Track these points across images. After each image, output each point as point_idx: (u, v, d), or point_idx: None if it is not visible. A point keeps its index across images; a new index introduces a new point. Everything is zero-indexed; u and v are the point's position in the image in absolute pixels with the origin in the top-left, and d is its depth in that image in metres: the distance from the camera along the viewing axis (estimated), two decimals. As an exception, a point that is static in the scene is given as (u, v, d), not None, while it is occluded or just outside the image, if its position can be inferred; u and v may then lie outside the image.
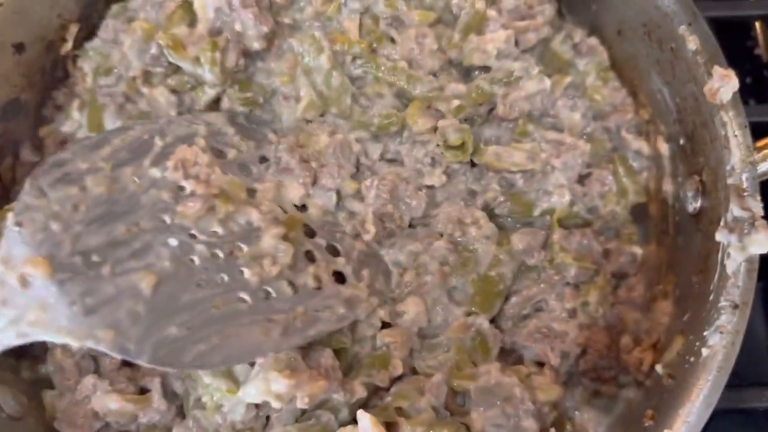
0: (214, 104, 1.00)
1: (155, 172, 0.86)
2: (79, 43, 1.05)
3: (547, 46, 1.03)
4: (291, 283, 0.86)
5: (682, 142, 0.94)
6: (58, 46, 1.03)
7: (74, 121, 1.05)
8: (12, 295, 0.73)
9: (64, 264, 0.76)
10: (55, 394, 0.89)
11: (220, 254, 0.84)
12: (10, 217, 0.77)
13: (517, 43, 1.00)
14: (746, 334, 0.79)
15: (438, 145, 0.95)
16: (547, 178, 0.96)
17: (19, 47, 0.98)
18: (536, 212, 0.96)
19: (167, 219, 0.83)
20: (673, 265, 0.95)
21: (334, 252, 0.92)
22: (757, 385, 1.00)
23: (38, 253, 0.75)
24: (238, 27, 0.95)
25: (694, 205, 0.91)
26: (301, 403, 0.79)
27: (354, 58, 0.98)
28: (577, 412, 0.93)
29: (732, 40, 1.25)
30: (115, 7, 1.05)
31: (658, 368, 0.87)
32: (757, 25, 1.28)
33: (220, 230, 0.85)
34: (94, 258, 0.77)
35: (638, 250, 0.96)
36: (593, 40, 1.04)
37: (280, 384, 0.78)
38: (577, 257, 0.92)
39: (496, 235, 0.94)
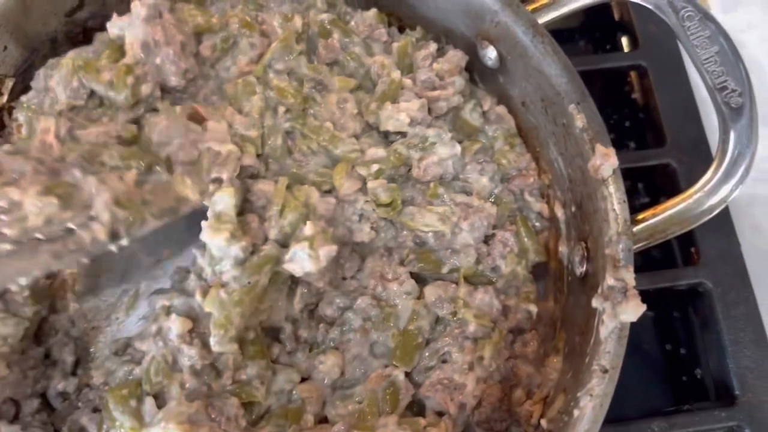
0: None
1: None
2: (15, 96, 1.10)
3: (458, 113, 1.10)
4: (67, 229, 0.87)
5: (573, 209, 1.01)
6: (-5, 97, 1.08)
7: (8, 171, 1.09)
8: None
9: None
10: None
11: None
12: None
13: (430, 111, 1.07)
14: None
15: (367, 201, 1.01)
16: (456, 238, 1.03)
17: (-47, 103, 1.03)
18: (445, 269, 1.03)
19: None
20: (564, 322, 1.02)
21: None
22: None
23: None
24: (158, 60, 1.00)
25: (580, 269, 0.98)
26: None
27: (286, 110, 1.04)
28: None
29: (612, 88, 1.43)
30: (50, 61, 1.09)
31: (543, 423, 0.92)
32: (632, 74, 1.43)
33: None
34: None
35: (534, 308, 1.02)
36: (501, 109, 1.11)
37: None
38: (478, 314, 0.98)
39: (417, 290, 1.00)
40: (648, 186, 1.37)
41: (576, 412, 0.85)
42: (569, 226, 1.04)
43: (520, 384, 0.99)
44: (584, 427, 0.84)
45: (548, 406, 0.96)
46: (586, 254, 0.97)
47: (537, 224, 1.09)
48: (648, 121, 1.37)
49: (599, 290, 0.90)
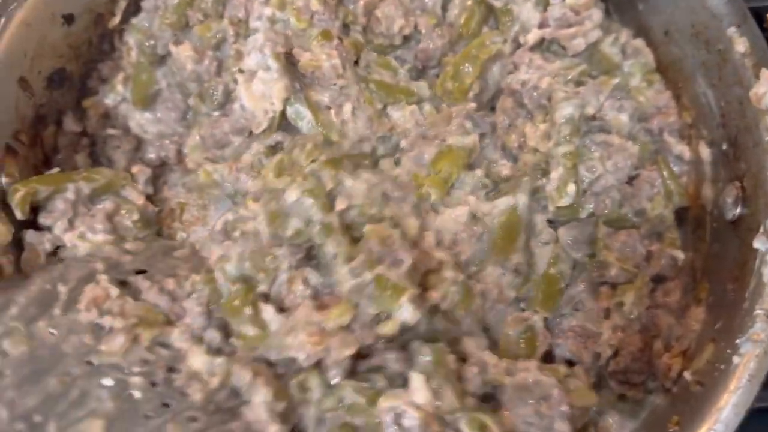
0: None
1: (69, 319, 0.83)
2: (126, 18, 1.07)
3: (596, 48, 1.01)
4: (234, 391, 0.82)
5: (724, 147, 0.92)
6: (106, 19, 1.05)
7: (118, 94, 1.07)
8: None
9: None
10: None
11: (157, 381, 0.81)
12: None
13: (565, 49, 1.00)
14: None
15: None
16: (597, 180, 0.95)
17: (69, 18, 1.00)
18: (582, 214, 0.95)
19: (95, 360, 0.81)
20: (707, 272, 0.93)
21: None
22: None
23: None
24: None
25: (733, 211, 0.89)
26: None
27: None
28: (600, 416, 0.91)
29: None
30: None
31: (687, 375, 0.85)
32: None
33: (149, 357, 0.82)
34: (36, 418, 0.75)
35: (680, 255, 0.94)
36: (639, 42, 1.03)
37: None
38: (620, 258, 0.91)
39: (554, 236, 0.94)
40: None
41: (735, 359, 0.77)
42: (717, 167, 0.94)
43: (659, 335, 0.91)
44: (747, 374, 0.75)
45: (691, 359, 0.87)
46: (741, 194, 0.88)
47: (675, 168, 0.99)
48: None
49: (761, 230, 0.81)
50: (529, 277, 0.92)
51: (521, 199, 0.91)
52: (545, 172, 0.93)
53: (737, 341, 0.78)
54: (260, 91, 0.95)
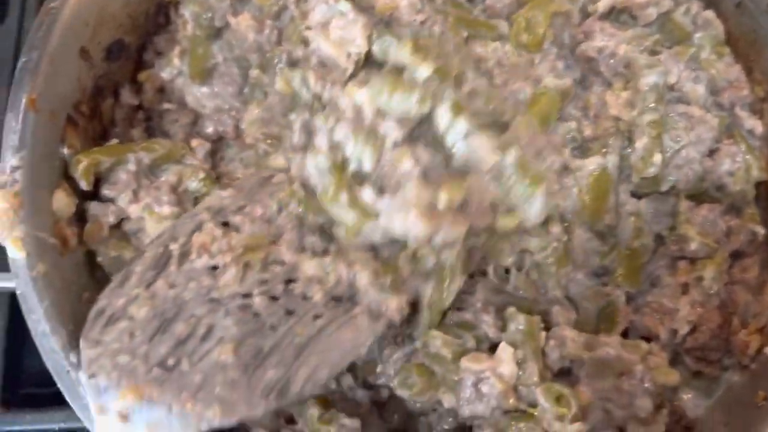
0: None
1: (184, 271, 0.85)
2: (184, -11, 1.05)
3: (668, 17, 0.99)
4: (351, 284, 0.85)
5: (800, 119, 0.90)
6: (163, -10, 1.04)
7: (174, 68, 1.05)
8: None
9: (148, 382, 0.77)
10: None
11: (277, 294, 0.85)
12: (82, 375, 0.78)
13: (636, 19, 0.98)
14: None
15: None
16: (679, 152, 0.93)
17: (128, -13, 0.98)
18: (664, 187, 0.93)
19: (216, 296, 0.84)
20: (783, 248, 0.92)
21: None
22: None
23: (121, 389, 0.76)
24: None
25: (809, 184, 0.87)
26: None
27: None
28: (675, 393, 0.90)
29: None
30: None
31: (767, 350, 0.83)
32: None
33: (265, 276, 0.85)
34: (170, 362, 0.79)
35: (761, 230, 0.92)
36: (709, 13, 1.00)
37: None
38: (701, 232, 0.89)
39: (637, 210, 0.93)
40: None
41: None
42: (791, 140, 0.92)
43: (736, 312, 0.89)
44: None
45: (768, 336, 0.86)
46: (818, 166, 0.86)
47: (748, 143, 0.97)
48: None
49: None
50: (614, 246, 0.90)
51: (611, 159, 0.89)
52: (630, 142, 0.91)
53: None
54: (339, 37, 0.93)
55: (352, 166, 0.86)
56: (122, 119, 1.02)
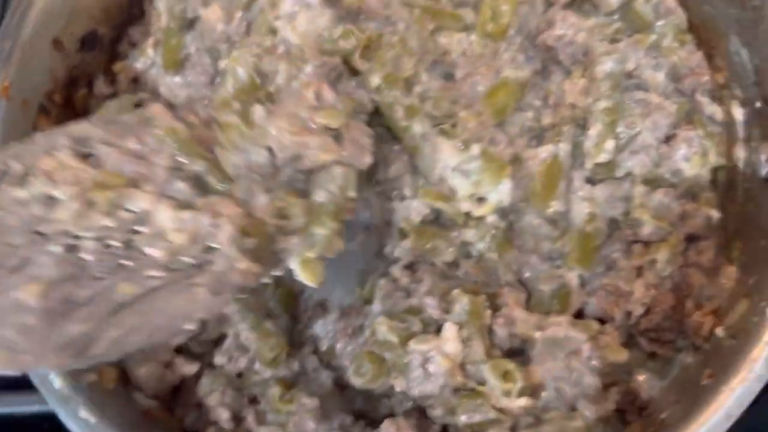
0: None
1: (18, 194, 0.76)
2: (156, -19, 1.07)
3: (630, 6, 1.00)
4: (209, 247, 0.77)
5: (758, 105, 0.92)
6: (137, -17, 1.06)
7: (148, 58, 1.07)
8: None
9: None
10: None
11: (116, 243, 0.75)
12: None
13: (597, 8, 1.00)
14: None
15: None
16: (635, 138, 0.94)
17: (102, -21, 1.01)
18: (619, 173, 0.94)
19: (43, 229, 0.75)
20: (739, 231, 0.93)
21: None
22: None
23: None
24: None
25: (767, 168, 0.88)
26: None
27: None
28: (630, 375, 0.92)
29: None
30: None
31: (719, 331, 0.85)
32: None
33: (109, 223, 0.75)
34: None
35: (716, 213, 0.94)
36: (671, 2, 1.01)
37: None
38: (656, 216, 0.91)
39: (590, 193, 0.94)
40: None
41: (770, 311, 0.77)
42: (750, 126, 0.94)
43: (691, 294, 0.91)
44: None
45: (721, 317, 0.88)
46: (776, 151, 0.87)
47: (708, 129, 0.98)
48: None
49: (797, 184, 0.81)
50: (565, 231, 0.92)
51: (564, 147, 0.91)
52: (583, 128, 0.93)
53: (774, 293, 0.78)
54: (304, 27, 0.94)
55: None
56: (96, 108, 1.05)
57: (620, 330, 0.90)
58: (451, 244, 0.91)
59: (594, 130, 0.91)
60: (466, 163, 0.88)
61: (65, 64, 0.98)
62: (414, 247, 0.92)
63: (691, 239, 0.94)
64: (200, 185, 0.80)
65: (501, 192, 0.88)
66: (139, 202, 0.76)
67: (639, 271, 0.91)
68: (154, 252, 0.74)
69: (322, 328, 0.97)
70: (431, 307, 0.86)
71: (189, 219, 0.75)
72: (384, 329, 0.85)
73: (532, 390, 0.82)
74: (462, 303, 0.84)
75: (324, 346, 0.97)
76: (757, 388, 0.75)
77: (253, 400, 0.91)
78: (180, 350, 0.94)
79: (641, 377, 0.91)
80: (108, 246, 0.74)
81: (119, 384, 0.87)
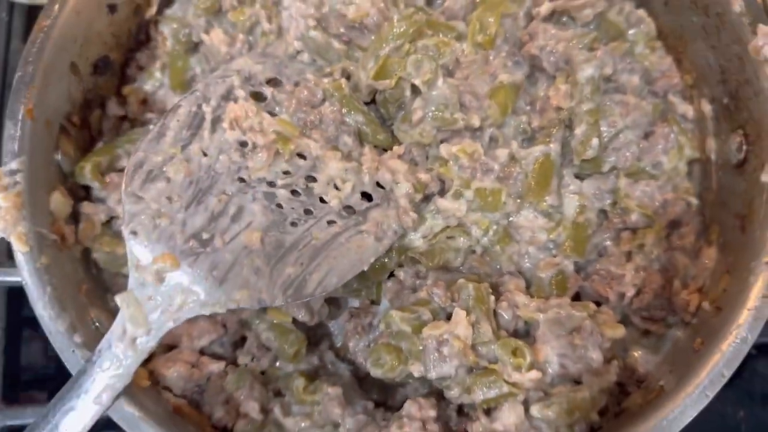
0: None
1: (216, 139, 0.93)
2: (161, 10, 1.14)
3: (603, 17, 1.09)
4: (364, 194, 0.94)
5: (725, 101, 1.01)
6: (144, 10, 1.12)
7: (156, 80, 1.13)
8: (154, 291, 0.83)
9: (184, 251, 0.85)
10: None
11: (299, 191, 0.92)
12: (125, 229, 0.86)
13: (575, 20, 1.08)
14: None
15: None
16: (617, 136, 1.02)
17: (113, 8, 1.07)
18: (605, 168, 1.02)
19: (245, 176, 0.91)
20: (716, 216, 1.02)
21: None
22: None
23: (160, 251, 0.85)
24: None
25: (738, 156, 0.98)
26: None
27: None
28: (626, 352, 0.99)
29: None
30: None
31: (705, 305, 0.93)
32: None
33: (290, 168, 0.93)
34: (204, 236, 0.87)
35: (694, 200, 1.02)
36: (641, 12, 1.10)
37: None
38: (640, 204, 0.99)
39: (579, 187, 1.02)
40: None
41: (751, 279, 0.86)
42: (719, 120, 1.03)
43: (677, 275, 0.99)
44: (766, 288, 0.84)
45: (706, 294, 0.96)
46: (744, 140, 0.96)
47: (681, 126, 1.07)
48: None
49: (766, 168, 0.90)
50: (559, 222, 0.99)
51: (555, 147, 0.98)
52: (570, 129, 1.01)
53: (752, 264, 0.86)
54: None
55: None
56: (109, 129, 1.10)
57: (615, 310, 0.98)
58: (458, 253, 0.99)
59: (579, 130, 0.99)
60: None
61: (81, 87, 1.04)
62: (427, 267, 0.99)
63: (674, 225, 1.02)
64: (359, 141, 0.97)
65: None
66: (312, 149, 0.93)
67: (628, 256, 0.99)
68: (329, 198, 0.92)
69: (336, 326, 1.04)
70: (438, 296, 0.92)
71: (351, 169, 0.93)
72: (397, 320, 0.91)
73: (539, 367, 0.89)
74: (467, 290, 0.91)
75: (339, 343, 1.04)
76: (745, 348, 0.83)
77: (278, 394, 0.96)
78: (203, 352, 0.99)
79: (637, 353, 0.99)
80: (295, 193, 0.92)
81: (152, 383, 0.92)
